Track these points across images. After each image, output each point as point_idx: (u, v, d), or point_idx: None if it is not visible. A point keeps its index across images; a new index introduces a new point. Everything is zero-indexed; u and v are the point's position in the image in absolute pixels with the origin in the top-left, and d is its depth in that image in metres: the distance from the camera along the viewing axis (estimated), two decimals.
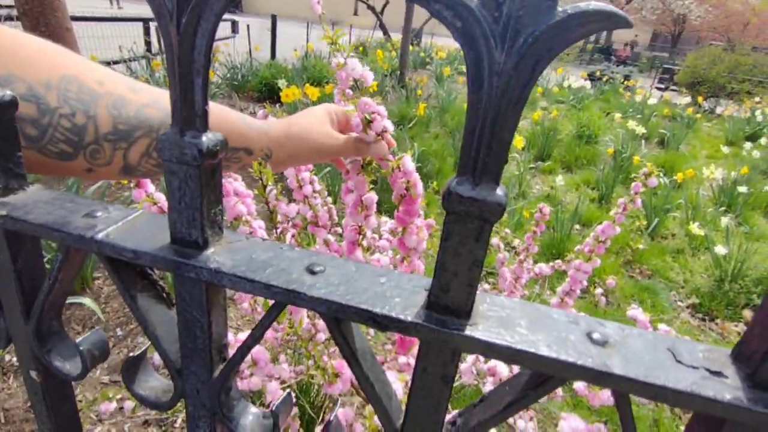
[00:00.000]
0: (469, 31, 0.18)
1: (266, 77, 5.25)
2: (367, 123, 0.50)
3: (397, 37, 9.23)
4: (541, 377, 0.24)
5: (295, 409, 0.76)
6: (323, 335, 0.84)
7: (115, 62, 4.13)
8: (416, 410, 0.26)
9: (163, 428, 1.26)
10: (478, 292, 0.25)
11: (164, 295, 0.31)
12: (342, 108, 0.57)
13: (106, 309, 1.79)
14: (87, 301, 1.48)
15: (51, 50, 0.35)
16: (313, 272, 0.25)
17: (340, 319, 0.25)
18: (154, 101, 0.40)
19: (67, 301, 1.27)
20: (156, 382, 0.33)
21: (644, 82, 12.33)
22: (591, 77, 11.04)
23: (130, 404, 0.91)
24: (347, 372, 0.60)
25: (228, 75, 5.01)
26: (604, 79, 11.02)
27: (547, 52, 0.18)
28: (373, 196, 0.55)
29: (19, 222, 0.27)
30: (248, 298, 0.75)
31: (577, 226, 3.13)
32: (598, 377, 0.21)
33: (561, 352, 0.22)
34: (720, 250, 2.50)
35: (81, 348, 0.32)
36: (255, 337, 0.27)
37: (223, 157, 0.48)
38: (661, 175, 3.98)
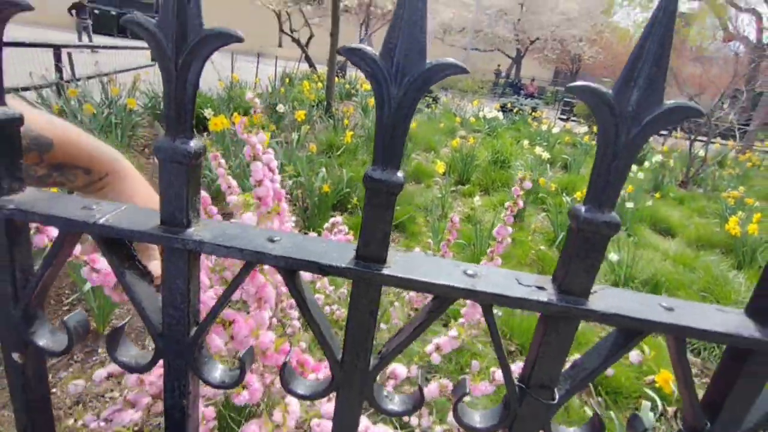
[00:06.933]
0: (375, 74, 0.30)
1: None
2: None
3: (322, 69, 9.46)
4: (435, 303, 0.35)
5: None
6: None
7: (25, 89, 3.87)
8: (351, 342, 0.36)
9: None
10: (393, 250, 0.35)
11: (145, 272, 0.38)
12: None
13: None
14: None
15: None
16: (272, 240, 0.35)
17: (294, 270, 0.34)
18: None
19: None
20: (134, 351, 0.40)
21: (549, 113, 13.63)
22: (503, 109, 12.01)
23: None
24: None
25: (150, 104, 4.85)
26: (515, 110, 12.05)
27: (423, 85, 0.30)
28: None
29: (29, 214, 0.34)
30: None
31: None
32: (468, 294, 0.33)
33: (447, 280, 0.33)
34: (613, 257, 2.87)
35: (69, 325, 0.38)
36: (226, 296, 0.35)
37: (59, 173, 0.53)
38: (564, 194, 4.45)
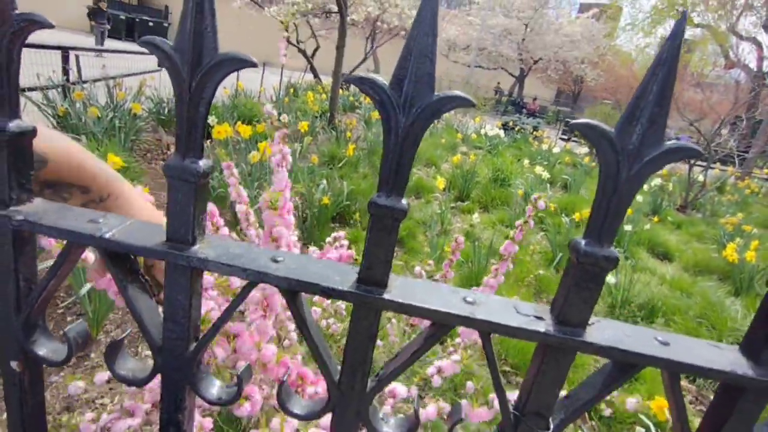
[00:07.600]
0: (384, 103, 0.30)
1: None
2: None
3: (327, 80, 9.54)
4: (433, 329, 0.35)
5: None
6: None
7: (31, 89, 3.90)
8: (349, 364, 0.36)
9: None
10: (394, 276, 0.36)
11: (147, 287, 0.39)
12: None
13: None
14: None
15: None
16: (276, 260, 0.35)
17: (296, 291, 0.34)
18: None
19: None
20: (132, 364, 0.40)
21: (550, 133, 13.73)
22: (505, 127, 12.10)
23: None
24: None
25: (154, 109, 4.89)
26: (516, 129, 12.14)
27: (431, 116, 0.31)
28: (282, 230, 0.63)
29: (36, 225, 0.34)
30: None
31: (493, 261, 3.40)
32: (466, 321, 0.33)
33: (445, 307, 0.33)
34: (610, 279, 2.87)
35: (69, 335, 0.38)
36: (229, 311, 0.36)
37: (51, 191, 0.52)
38: (563, 215, 4.47)
